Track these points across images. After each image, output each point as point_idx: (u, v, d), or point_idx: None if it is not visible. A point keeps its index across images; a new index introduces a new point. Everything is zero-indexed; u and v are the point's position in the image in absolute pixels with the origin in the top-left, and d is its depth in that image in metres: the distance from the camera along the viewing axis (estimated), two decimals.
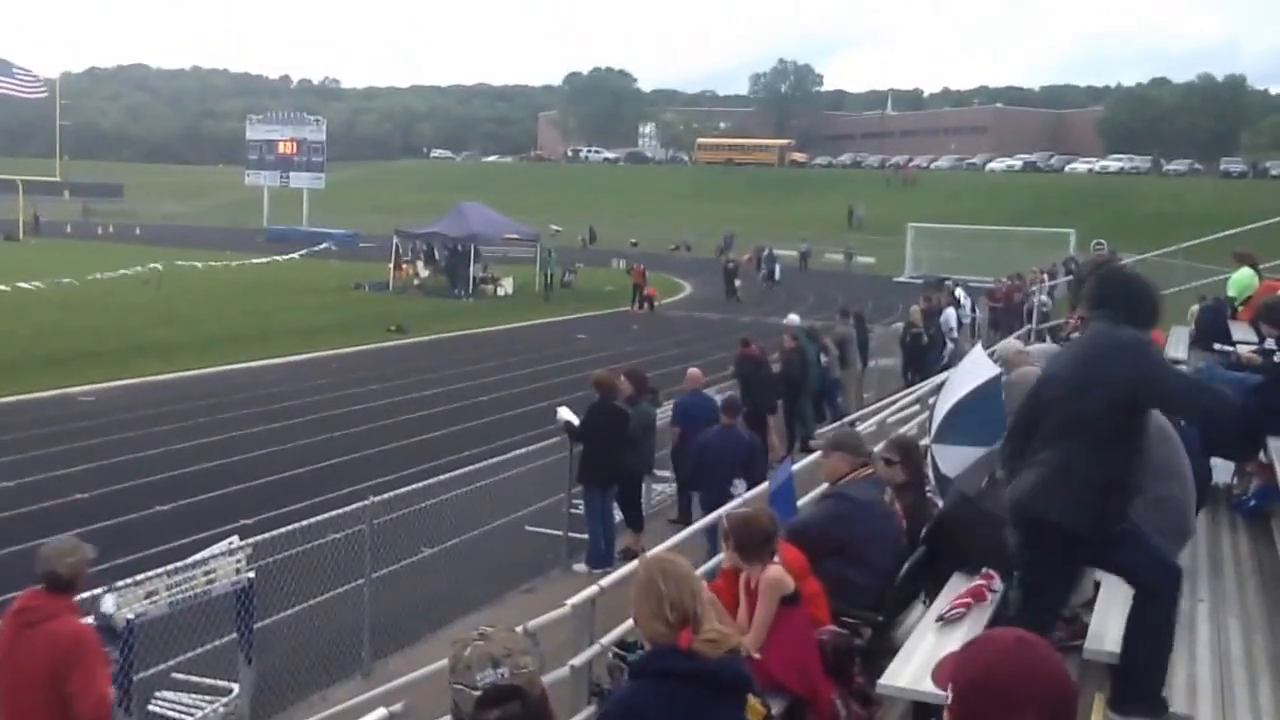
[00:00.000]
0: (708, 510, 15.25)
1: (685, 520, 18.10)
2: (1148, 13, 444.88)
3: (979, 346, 15.31)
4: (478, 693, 3.74)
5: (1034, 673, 3.09)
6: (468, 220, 62.87)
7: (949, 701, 3.16)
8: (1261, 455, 10.59)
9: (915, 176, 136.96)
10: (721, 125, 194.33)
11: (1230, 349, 12.64)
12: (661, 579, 5.31)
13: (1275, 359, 10.64)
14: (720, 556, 9.12)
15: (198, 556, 12.09)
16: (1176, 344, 15.93)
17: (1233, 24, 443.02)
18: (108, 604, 10.44)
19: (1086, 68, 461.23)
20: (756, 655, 7.08)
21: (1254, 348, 11.92)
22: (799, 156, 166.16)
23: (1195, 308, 22.26)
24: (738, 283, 65.13)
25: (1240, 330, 15.71)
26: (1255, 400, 10.62)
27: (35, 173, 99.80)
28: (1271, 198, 69.43)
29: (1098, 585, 8.21)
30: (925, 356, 29.91)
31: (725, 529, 7.97)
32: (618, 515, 18.31)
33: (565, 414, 18.01)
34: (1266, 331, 11.03)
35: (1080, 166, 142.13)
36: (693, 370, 21.22)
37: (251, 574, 12.22)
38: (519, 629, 8.85)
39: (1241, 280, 18.85)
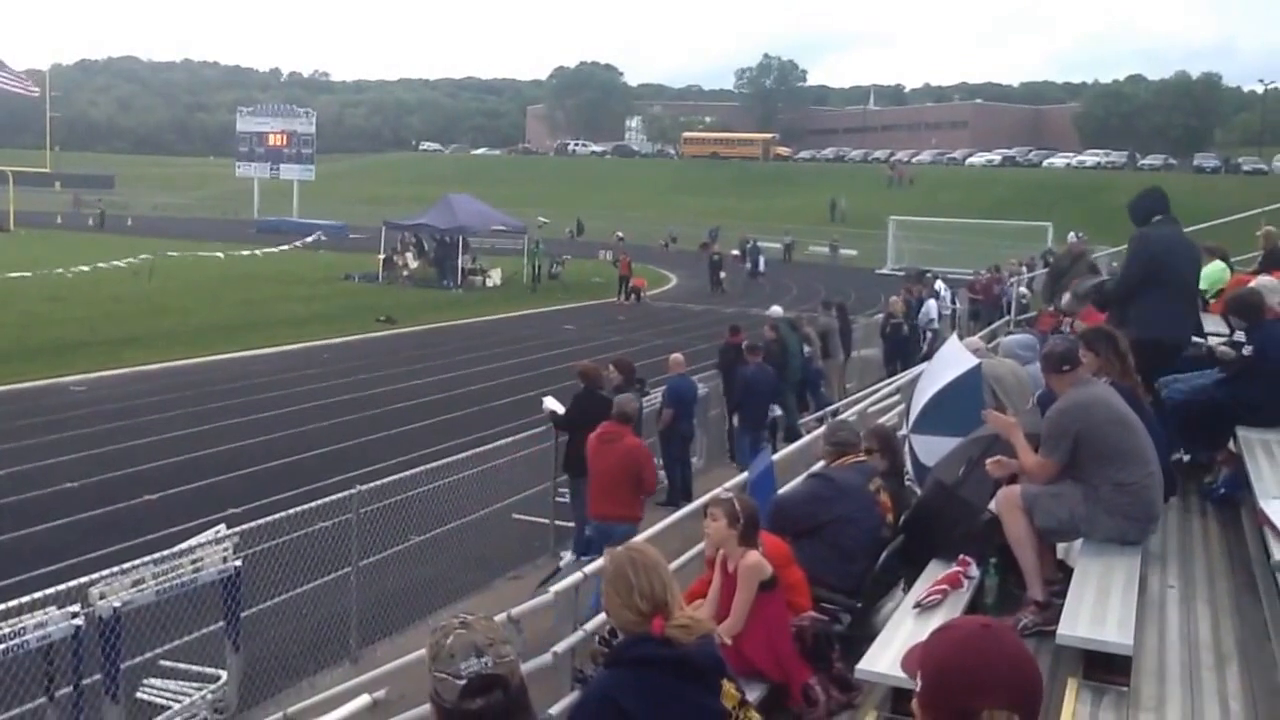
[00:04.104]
0: (751, 430, 20.58)
1: (673, 503, 18.27)
2: (1136, 13, 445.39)
3: (955, 338, 15.45)
4: (462, 681, 3.70)
5: (999, 659, 3.11)
6: (456, 212, 62.85)
7: (918, 687, 3.19)
8: (1230, 444, 10.77)
9: (912, 175, 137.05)
10: (707, 120, 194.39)
11: (1202, 340, 12.79)
12: (631, 569, 5.33)
13: (1244, 351, 10.77)
14: (700, 547, 9.21)
15: (184, 545, 12.21)
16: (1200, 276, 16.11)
17: (1221, 25, 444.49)
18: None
19: (1077, 67, 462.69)
20: (729, 641, 7.20)
21: (1224, 340, 12.06)
22: (783, 150, 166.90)
23: None
24: (723, 275, 65.33)
25: (1211, 322, 15.89)
26: (1224, 391, 10.81)
27: (26, 164, 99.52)
28: (1243, 192, 69.47)
29: (1070, 571, 8.34)
30: (906, 347, 30.07)
31: (731, 507, 7.98)
32: None
33: (551, 404, 18.13)
34: (1235, 323, 11.16)
35: (1058, 161, 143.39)
36: (675, 356, 21.57)
37: (238, 562, 12.33)
38: (504, 615, 9.01)
39: (1212, 273, 18.97)
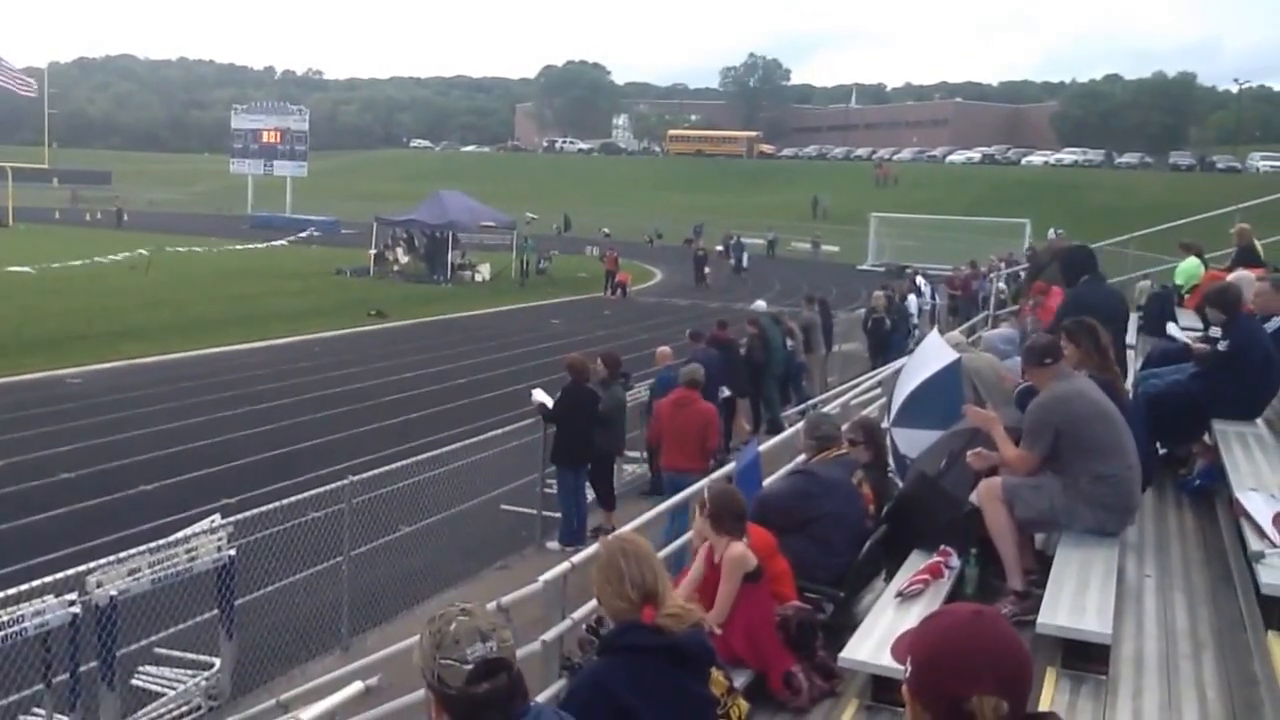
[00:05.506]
0: None
1: (658, 493, 18.42)
2: (1122, 12, 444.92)
3: (935, 332, 15.56)
4: (469, 667, 3.72)
5: (991, 645, 3.10)
6: (446, 208, 62.98)
7: (907, 674, 3.18)
8: (1206, 437, 10.92)
9: (896, 174, 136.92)
10: (692, 118, 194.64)
11: (1179, 333, 12.99)
12: (623, 558, 5.47)
13: (1219, 347, 10.92)
14: (687, 536, 9.34)
15: (180, 534, 12.31)
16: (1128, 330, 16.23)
17: (1206, 24, 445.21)
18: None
19: (1062, 66, 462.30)
20: (718, 630, 7.28)
21: (1199, 335, 12.23)
22: (766, 148, 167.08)
23: (1145, 282, 22.86)
24: (707, 270, 65.45)
25: (1186, 317, 16.06)
26: (1199, 385, 10.96)
27: (24, 160, 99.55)
28: (1218, 190, 69.86)
29: (1050, 560, 8.48)
30: (888, 341, 30.22)
31: (704, 497, 8.09)
32: (590, 494, 18.59)
33: (539, 396, 18.28)
34: (1213, 317, 11.27)
35: (1036, 159, 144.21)
36: (662, 349, 21.85)
37: (233, 552, 12.42)
38: (493, 604, 9.14)
39: (1188, 269, 19.31)
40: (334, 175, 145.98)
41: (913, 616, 7.50)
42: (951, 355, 10.86)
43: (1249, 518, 8.33)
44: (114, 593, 10.90)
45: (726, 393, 21.14)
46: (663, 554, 9.93)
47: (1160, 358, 12.61)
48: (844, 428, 10.78)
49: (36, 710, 11.00)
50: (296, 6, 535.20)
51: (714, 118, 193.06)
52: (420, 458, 16.44)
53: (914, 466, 9.82)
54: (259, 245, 77.06)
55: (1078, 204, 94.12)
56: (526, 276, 62.56)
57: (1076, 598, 7.59)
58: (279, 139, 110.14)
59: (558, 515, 18.12)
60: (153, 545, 11.70)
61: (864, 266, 78.16)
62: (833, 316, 33.10)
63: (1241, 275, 14.93)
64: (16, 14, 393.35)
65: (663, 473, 17.76)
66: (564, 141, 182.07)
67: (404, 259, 63.30)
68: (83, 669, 10.74)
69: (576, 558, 10.19)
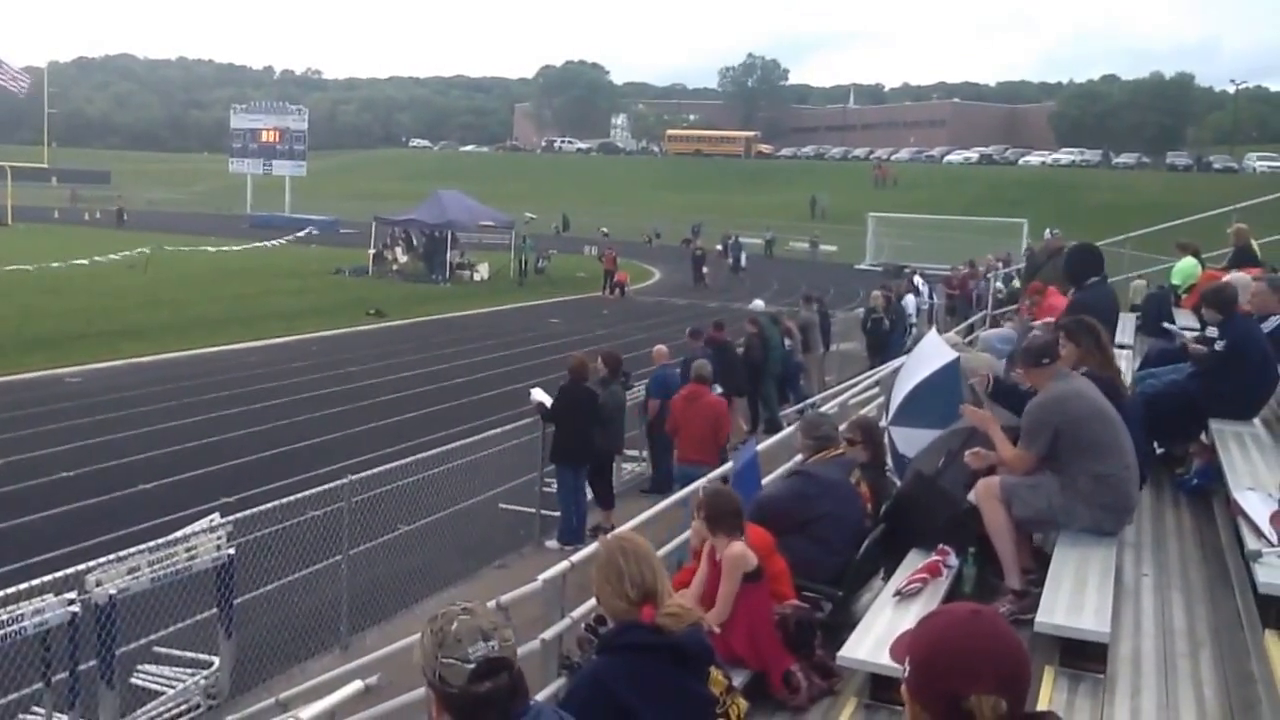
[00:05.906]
0: None
1: (657, 491, 18.45)
2: (1121, 12, 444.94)
3: (933, 331, 15.58)
4: (471, 665, 3.70)
5: (989, 644, 3.10)
6: (445, 208, 63.11)
7: (906, 674, 3.18)
8: (1203, 436, 10.94)
9: (895, 175, 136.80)
10: (691, 117, 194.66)
11: (1176, 330, 13.03)
12: (622, 557, 5.47)
13: (1216, 346, 10.95)
14: (684, 536, 9.36)
15: (179, 533, 12.33)
16: (1123, 329, 16.23)
17: (1206, 25, 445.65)
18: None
19: (1061, 66, 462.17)
20: (717, 629, 7.26)
21: (1196, 334, 12.24)
22: (765, 148, 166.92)
23: (1140, 282, 22.88)
24: (705, 270, 65.42)
25: (1184, 317, 16.07)
26: (1196, 384, 10.98)
27: (23, 160, 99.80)
28: (1215, 190, 69.89)
29: (1048, 559, 8.48)
30: (887, 340, 30.24)
31: (698, 499, 8.12)
32: (589, 493, 18.61)
33: (538, 395, 18.32)
34: (1209, 316, 11.32)
35: (1033, 159, 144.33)
36: (659, 348, 21.89)
37: (232, 550, 12.43)
38: (492, 603, 9.14)
39: (1185, 269, 19.33)
40: (333, 175, 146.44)
41: (911, 615, 7.49)
42: (950, 355, 10.87)
43: (1246, 517, 8.33)
44: (113, 591, 10.91)
45: (719, 390, 21.26)
46: (666, 550, 9.97)
47: (1158, 357, 12.64)
48: (842, 427, 10.78)
49: (36, 709, 11.01)
50: (296, 6, 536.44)
51: (712, 118, 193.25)
52: (419, 456, 16.44)
53: (912, 465, 9.82)
54: (258, 245, 77.00)
55: (1075, 204, 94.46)
56: (525, 276, 62.59)
57: (1074, 597, 7.59)
58: (278, 139, 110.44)
59: (557, 514, 18.15)
60: (152, 544, 11.72)
61: (862, 266, 78.17)
62: (830, 316, 33.15)
63: (1238, 277, 14.95)
64: (16, 14, 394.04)
65: (676, 466, 18.14)
66: (562, 141, 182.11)
67: (403, 258, 63.33)
68: (82, 668, 10.76)
69: (575, 556, 10.19)
